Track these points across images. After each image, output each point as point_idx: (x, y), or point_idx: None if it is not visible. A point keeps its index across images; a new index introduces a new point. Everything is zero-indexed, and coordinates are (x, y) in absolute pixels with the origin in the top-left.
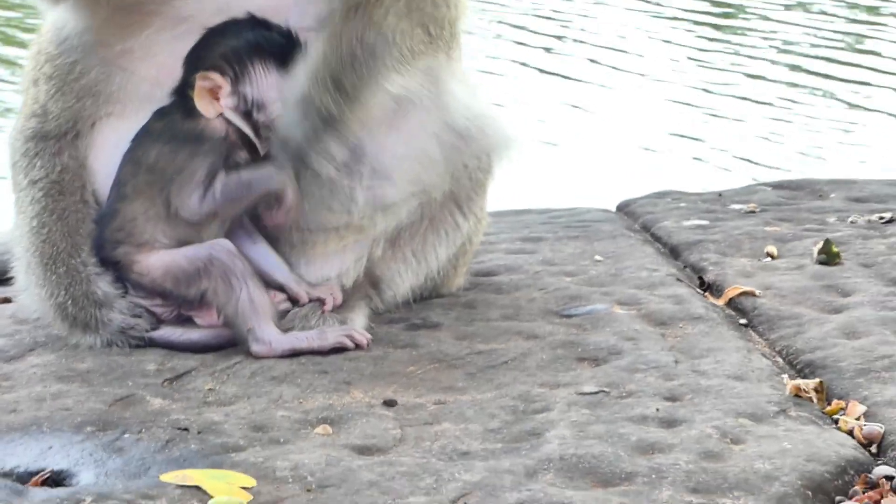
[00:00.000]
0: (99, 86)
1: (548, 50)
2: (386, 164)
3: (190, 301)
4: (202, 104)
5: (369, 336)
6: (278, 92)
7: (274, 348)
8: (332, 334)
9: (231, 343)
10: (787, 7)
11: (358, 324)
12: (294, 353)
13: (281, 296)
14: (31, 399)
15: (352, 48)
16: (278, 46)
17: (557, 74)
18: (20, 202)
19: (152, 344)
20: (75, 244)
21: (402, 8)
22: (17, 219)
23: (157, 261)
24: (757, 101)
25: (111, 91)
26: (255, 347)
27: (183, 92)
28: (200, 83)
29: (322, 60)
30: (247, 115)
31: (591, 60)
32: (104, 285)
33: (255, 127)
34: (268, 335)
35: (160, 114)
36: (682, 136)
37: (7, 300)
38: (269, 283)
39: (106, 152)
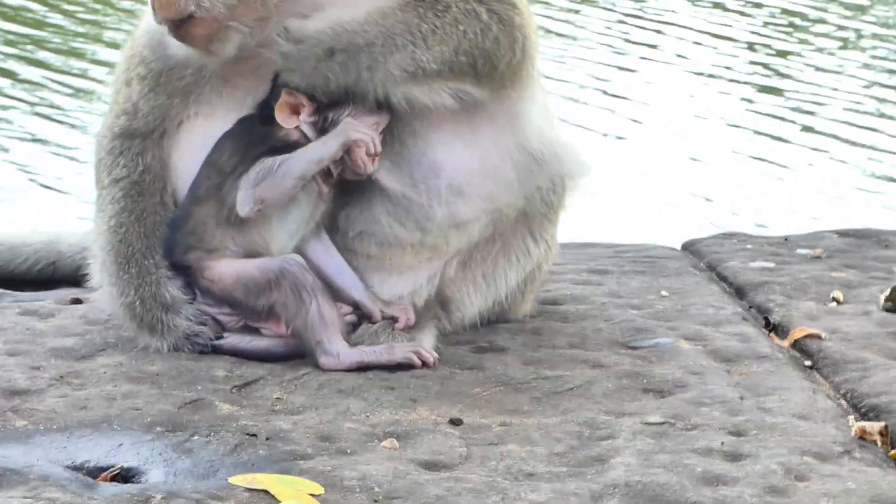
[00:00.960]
0: (191, 87)
1: (612, 96)
2: (461, 180)
3: (258, 312)
4: (282, 115)
5: (436, 355)
6: (356, 111)
7: (342, 361)
8: (399, 350)
9: (297, 353)
10: (843, 46)
11: (426, 343)
12: (361, 367)
13: (347, 308)
14: (101, 397)
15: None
16: None
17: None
18: (101, 200)
19: (218, 352)
20: (150, 246)
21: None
22: (97, 217)
23: (229, 268)
24: (815, 149)
25: (202, 92)
26: (323, 360)
27: (266, 102)
28: (286, 97)
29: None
30: (323, 133)
31: (652, 106)
32: (173, 289)
33: None
34: (336, 348)
35: (241, 120)
36: (744, 182)
37: (78, 301)
38: (344, 300)
39: (189, 152)
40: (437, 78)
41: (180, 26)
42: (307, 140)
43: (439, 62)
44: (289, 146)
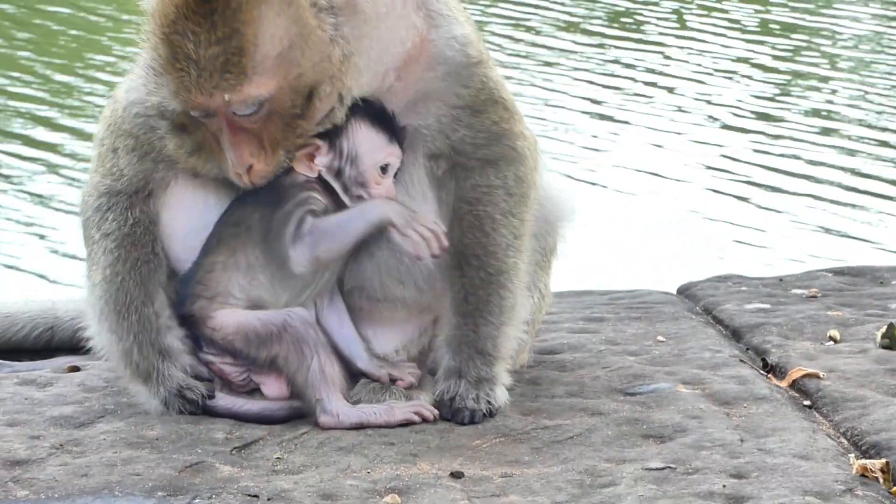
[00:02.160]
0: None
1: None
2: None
3: (260, 364)
4: (300, 166)
5: (436, 411)
6: (371, 144)
7: (342, 421)
8: (399, 410)
9: (291, 417)
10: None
11: (424, 398)
12: (361, 427)
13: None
14: (102, 464)
15: None
16: (369, 106)
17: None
18: (93, 255)
19: (210, 413)
20: (148, 293)
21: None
22: (90, 271)
23: (231, 318)
24: (808, 194)
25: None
26: (323, 419)
27: None
28: (302, 149)
29: None
30: (339, 172)
31: (653, 145)
32: (172, 339)
33: (345, 185)
34: (336, 407)
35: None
36: (737, 223)
37: (76, 368)
38: (351, 369)
39: (179, 210)
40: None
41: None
42: (327, 186)
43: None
44: (299, 186)
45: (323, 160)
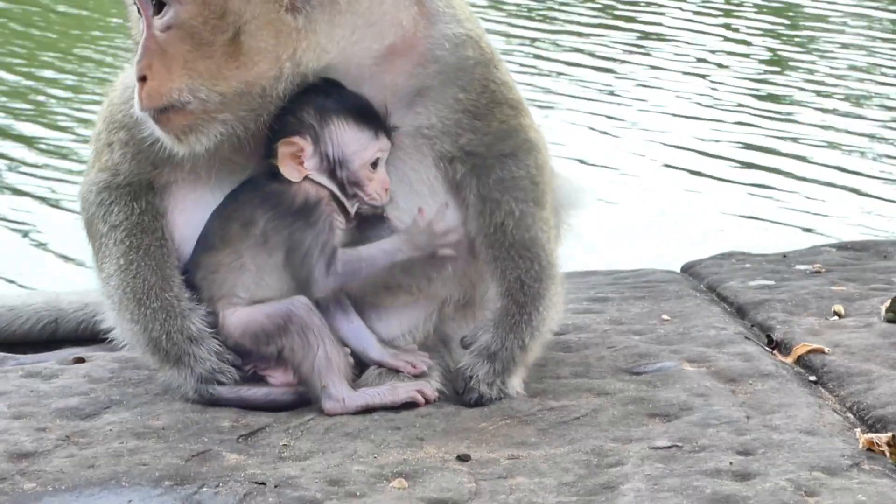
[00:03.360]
0: (176, 157)
1: (610, 117)
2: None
3: (267, 358)
4: (287, 170)
5: (436, 391)
6: (356, 145)
7: (347, 405)
8: (402, 390)
9: (297, 402)
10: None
11: (432, 381)
12: (367, 410)
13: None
14: (108, 455)
15: None
16: (351, 103)
17: (611, 135)
18: (102, 249)
19: (218, 403)
20: (165, 278)
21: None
22: (101, 264)
23: (236, 319)
24: (814, 163)
25: (188, 161)
26: (329, 405)
27: (269, 160)
28: (283, 150)
29: None
30: (331, 173)
31: (644, 129)
32: (198, 321)
33: (341, 185)
34: (341, 392)
35: (252, 180)
36: (740, 199)
37: (81, 360)
38: (366, 360)
39: (183, 211)
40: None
41: (163, 112)
42: (324, 190)
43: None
44: (314, 205)
45: (311, 163)
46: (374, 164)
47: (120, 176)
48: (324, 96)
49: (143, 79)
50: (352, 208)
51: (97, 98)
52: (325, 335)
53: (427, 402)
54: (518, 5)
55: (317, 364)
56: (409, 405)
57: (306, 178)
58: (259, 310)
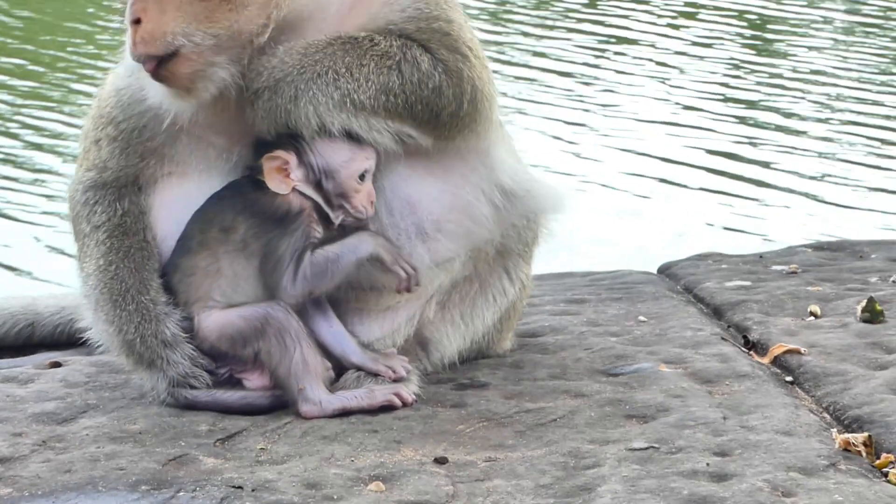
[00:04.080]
0: (164, 148)
1: (580, 124)
2: (436, 216)
3: (244, 361)
4: (274, 183)
5: (414, 395)
6: (343, 156)
7: (324, 408)
8: (379, 393)
9: (274, 406)
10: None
11: (410, 385)
12: (344, 413)
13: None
14: (85, 459)
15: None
16: None
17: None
18: (84, 248)
19: (191, 405)
20: (143, 280)
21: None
22: (82, 264)
23: (212, 321)
24: (785, 169)
25: (175, 153)
26: (305, 408)
27: (254, 166)
28: (268, 164)
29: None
30: (318, 185)
31: (618, 130)
32: (173, 326)
33: (327, 197)
34: (318, 396)
35: (236, 185)
36: (716, 201)
37: (57, 364)
38: (346, 364)
39: (168, 208)
40: (373, 114)
41: (162, 64)
42: (311, 202)
43: (367, 96)
44: (296, 215)
45: (297, 174)
46: (362, 176)
47: (107, 172)
48: None
49: (136, 21)
50: (336, 219)
51: (50, 105)
52: (303, 338)
53: (404, 405)
54: (482, 9)
55: (293, 367)
56: (386, 408)
57: (293, 189)
58: (236, 312)
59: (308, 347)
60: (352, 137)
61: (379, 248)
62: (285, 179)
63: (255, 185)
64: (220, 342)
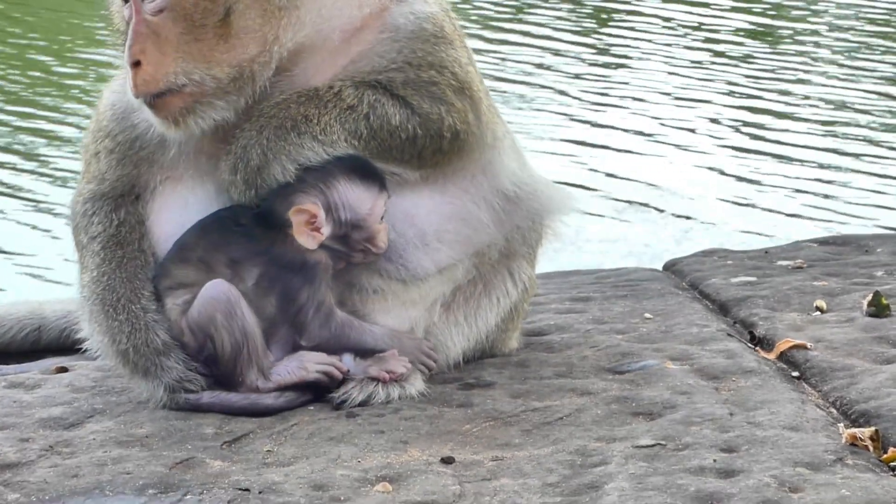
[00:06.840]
0: (156, 155)
1: (591, 123)
2: (435, 227)
3: (206, 352)
4: (303, 238)
5: (345, 369)
6: (367, 204)
7: (261, 389)
8: (311, 364)
9: (284, 406)
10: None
11: (416, 386)
12: (280, 389)
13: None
14: (92, 464)
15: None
16: (351, 162)
17: (596, 144)
18: (83, 259)
19: (199, 409)
20: (135, 290)
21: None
22: (81, 275)
23: (183, 323)
24: (796, 160)
25: (168, 159)
26: (243, 391)
27: (268, 215)
28: (297, 218)
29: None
30: (344, 238)
31: (630, 131)
32: (163, 334)
33: (350, 244)
34: (254, 379)
35: (242, 212)
36: (721, 197)
37: (63, 369)
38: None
39: (166, 212)
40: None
41: (159, 97)
42: (326, 251)
43: (335, 137)
44: (313, 266)
45: (326, 230)
46: (382, 216)
47: (105, 183)
48: (322, 161)
49: (136, 63)
50: (356, 260)
51: (12, 121)
52: (246, 318)
53: (335, 380)
54: (482, 15)
55: (235, 349)
56: (323, 387)
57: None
58: (193, 307)
59: (250, 327)
60: (369, 182)
61: (386, 349)
62: (314, 234)
63: (264, 224)
64: (190, 339)
